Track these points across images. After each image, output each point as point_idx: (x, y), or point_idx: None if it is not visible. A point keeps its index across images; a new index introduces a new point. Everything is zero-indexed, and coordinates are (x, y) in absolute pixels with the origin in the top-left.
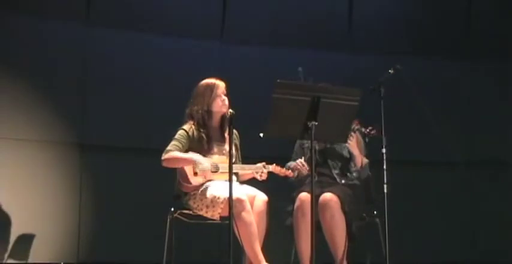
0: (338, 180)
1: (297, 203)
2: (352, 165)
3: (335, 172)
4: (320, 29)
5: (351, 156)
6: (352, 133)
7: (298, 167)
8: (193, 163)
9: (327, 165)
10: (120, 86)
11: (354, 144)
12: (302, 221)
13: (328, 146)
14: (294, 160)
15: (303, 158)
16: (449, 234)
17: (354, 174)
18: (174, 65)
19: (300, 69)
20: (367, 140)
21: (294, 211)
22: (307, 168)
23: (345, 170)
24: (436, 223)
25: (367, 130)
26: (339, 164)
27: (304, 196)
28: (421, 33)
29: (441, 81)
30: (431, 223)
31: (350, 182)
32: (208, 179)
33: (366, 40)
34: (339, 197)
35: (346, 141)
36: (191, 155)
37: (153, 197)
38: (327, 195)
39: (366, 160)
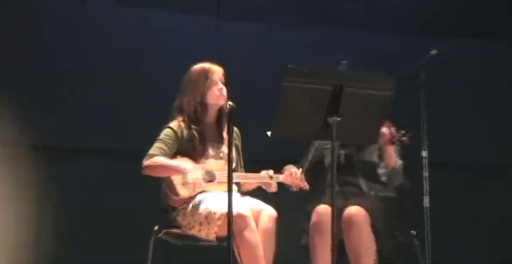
0: (366, 190)
1: (313, 218)
2: (382, 166)
3: (363, 181)
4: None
5: (381, 159)
6: (385, 129)
7: (289, 180)
8: (183, 175)
9: (353, 173)
10: (93, 73)
11: (387, 137)
12: (320, 241)
13: (356, 148)
14: (302, 166)
15: (306, 164)
16: (503, 255)
17: (383, 178)
18: (164, 43)
19: (343, 61)
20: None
21: (310, 228)
22: (304, 184)
23: (373, 179)
24: (490, 243)
25: (399, 135)
26: (367, 171)
27: (323, 209)
28: (460, 12)
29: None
30: (481, 242)
31: (381, 193)
32: (201, 189)
33: (382, 15)
34: (367, 210)
35: (376, 142)
36: (179, 163)
37: (132, 211)
38: (353, 209)
39: (400, 161)
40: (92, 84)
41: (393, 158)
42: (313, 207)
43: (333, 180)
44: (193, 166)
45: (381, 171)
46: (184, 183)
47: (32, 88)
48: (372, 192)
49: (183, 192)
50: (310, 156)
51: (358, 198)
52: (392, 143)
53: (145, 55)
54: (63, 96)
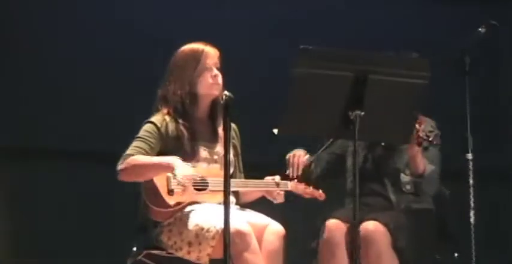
0: (395, 202)
1: (323, 235)
2: (407, 172)
3: (391, 190)
4: None
5: (406, 163)
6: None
7: (299, 188)
8: (170, 171)
9: (380, 180)
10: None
11: (413, 136)
12: (330, 262)
13: (385, 150)
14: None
15: (320, 168)
16: None
17: (407, 186)
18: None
19: (414, 53)
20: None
21: (319, 247)
22: (319, 194)
23: (398, 186)
24: None
25: (427, 135)
26: (397, 179)
27: (334, 224)
28: None
29: None
30: None
31: (416, 206)
32: (191, 200)
33: None
34: (386, 226)
35: (408, 142)
36: (165, 159)
37: (104, 227)
38: (370, 225)
39: (431, 166)
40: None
41: (419, 162)
42: (324, 221)
43: (355, 189)
44: (184, 165)
45: (405, 178)
46: (171, 191)
47: None
48: (402, 205)
49: (169, 201)
50: (325, 160)
51: (378, 211)
52: (419, 144)
53: None
54: None
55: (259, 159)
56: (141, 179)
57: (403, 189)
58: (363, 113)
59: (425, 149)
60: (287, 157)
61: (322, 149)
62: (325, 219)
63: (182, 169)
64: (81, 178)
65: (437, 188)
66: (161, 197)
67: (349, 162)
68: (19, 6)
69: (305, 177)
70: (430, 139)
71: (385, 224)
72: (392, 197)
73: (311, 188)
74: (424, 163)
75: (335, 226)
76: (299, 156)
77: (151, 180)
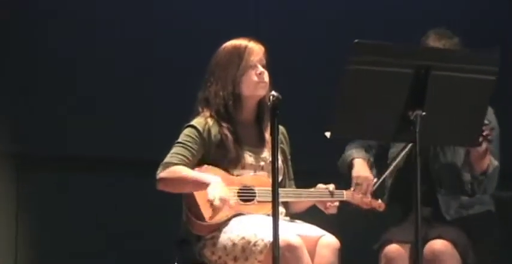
0: (444, 209)
1: (382, 262)
2: (467, 171)
3: (443, 192)
4: None
5: (466, 161)
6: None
7: (356, 197)
8: (205, 187)
9: (430, 183)
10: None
11: None
12: None
13: (436, 149)
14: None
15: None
16: None
17: (468, 187)
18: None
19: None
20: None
21: None
22: (379, 204)
23: (457, 189)
24: None
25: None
26: (449, 178)
27: (394, 251)
28: None
29: None
30: None
31: (473, 210)
32: (236, 212)
33: None
34: (454, 244)
35: (478, 144)
36: (202, 174)
37: (142, 240)
38: (437, 245)
39: (495, 162)
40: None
41: (484, 159)
42: (383, 246)
43: (417, 211)
44: (224, 178)
45: (467, 177)
46: (213, 203)
47: None
48: (452, 212)
49: (211, 215)
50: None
51: (434, 224)
52: (480, 142)
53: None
54: None
55: (310, 166)
56: (176, 191)
57: (465, 189)
58: (424, 113)
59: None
60: (354, 175)
61: (386, 173)
62: (383, 244)
63: (219, 189)
64: (117, 188)
65: (495, 186)
66: (202, 210)
67: (391, 150)
68: None
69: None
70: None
71: (453, 242)
72: (442, 203)
73: (369, 197)
74: (489, 160)
75: (395, 253)
76: (368, 185)
77: (192, 194)
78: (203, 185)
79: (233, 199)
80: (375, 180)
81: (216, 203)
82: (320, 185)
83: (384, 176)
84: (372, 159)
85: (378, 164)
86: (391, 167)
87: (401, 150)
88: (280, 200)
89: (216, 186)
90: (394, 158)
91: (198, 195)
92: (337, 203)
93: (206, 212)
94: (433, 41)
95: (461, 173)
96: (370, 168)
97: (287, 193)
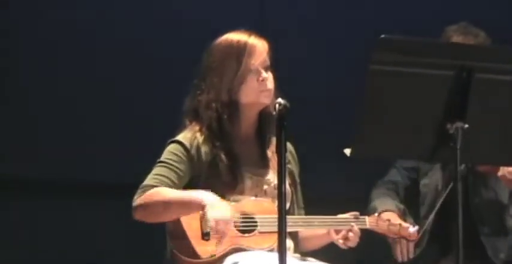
0: (491, 255)
1: None
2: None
3: (487, 232)
4: None
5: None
6: None
7: (382, 225)
8: (201, 209)
9: (471, 220)
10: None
11: None
12: None
13: (475, 177)
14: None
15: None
16: None
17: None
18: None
19: None
20: None
21: None
22: (409, 233)
23: (503, 229)
24: None
25: None
26: (494, 217)
27: None
28: None
29: None
30: None
31: None
32: (234, 245)
33: None
34: None
35: None
36: (194, 194)
37: None
38: None
39: None
40: None
41: None
42: None
43: (459, 249)
44: (220, 202)
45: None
46: (205, 235)
47: None
48: (502, 256)
49: (204, 250)
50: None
51: None
52: None
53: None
54: None
55: (326, 192)
56: (160, 220)
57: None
58: (466, 126)
59: None
60: (392, 239)
61: (430, 219)
62: None
63: (216, 211)
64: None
65: None
66: (192, 243)
67: (423, 182)
68: None
69: None
70: None
71: None
72: (488, 244)
73: (400, 223)
74: None
75: None
76: (410, 236)
77: (179, 221)
78: (192, 205)
79: (233, 227)
80: (416, 228)
81: (221, 227)
82: (340, 215)
83: (428, 221)
84: (401, 207)
85: (409, 200)
86: (434, 212)
87: (442, 188)
88: (288, 229)
89: (216, 207)
90: (435, 199)
91: (186, 223)
92: (358, 233)
93: (199, 247)
94: (457, 39)
95: (506, 216)
96: (403, 217)
97: (295, 221)
